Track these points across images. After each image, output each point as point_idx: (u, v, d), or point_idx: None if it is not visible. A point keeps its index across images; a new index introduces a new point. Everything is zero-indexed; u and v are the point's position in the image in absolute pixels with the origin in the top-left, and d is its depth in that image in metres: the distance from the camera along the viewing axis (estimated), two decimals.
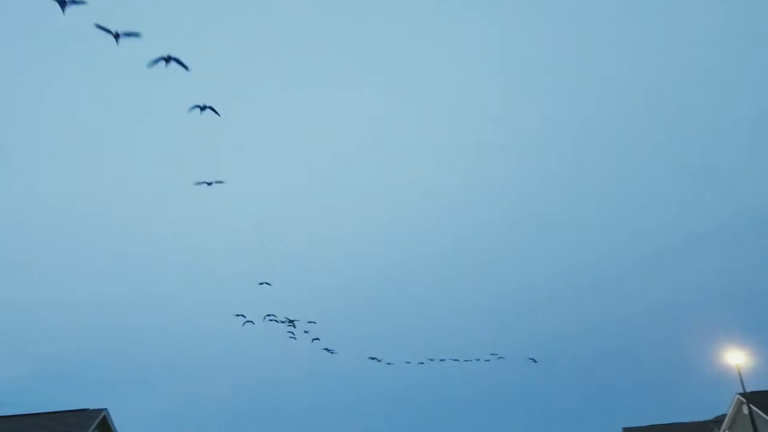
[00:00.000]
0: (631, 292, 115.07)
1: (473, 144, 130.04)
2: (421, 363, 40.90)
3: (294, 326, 30.35)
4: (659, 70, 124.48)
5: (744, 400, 32.48)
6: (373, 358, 38.91)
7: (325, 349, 33.88)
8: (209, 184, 20.72)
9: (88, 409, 28.00)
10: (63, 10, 14.27)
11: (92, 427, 26.51)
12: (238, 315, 29.67)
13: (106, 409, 27.88)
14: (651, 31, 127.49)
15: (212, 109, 16.32)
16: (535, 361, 41.24)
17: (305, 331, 31.90)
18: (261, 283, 28.32)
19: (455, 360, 41.50)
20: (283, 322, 29.94)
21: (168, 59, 15.32)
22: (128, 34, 14.98)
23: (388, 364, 40.67)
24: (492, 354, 40.54)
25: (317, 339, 32.98)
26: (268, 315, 29.78)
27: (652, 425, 48.83)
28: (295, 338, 31.96)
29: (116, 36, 14.91)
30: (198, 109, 16.40)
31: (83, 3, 14.14)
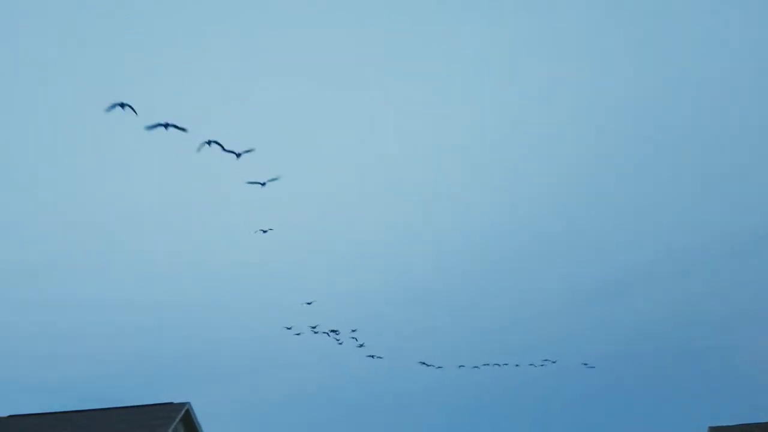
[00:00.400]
0: (721, 281, 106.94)
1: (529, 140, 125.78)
2: (476, 367, 40.34)
3: (337, 335, 31.19)
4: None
5: None
6: (423, 363, 38.67)
7: (370, 356, 34.01)
8: (263, 184, 19.82)
9: (171, 403, 28.39)
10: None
11: (176, 420, 26.81)
12: (287, 328, 30.72)
13: (188, 403, 28.16)
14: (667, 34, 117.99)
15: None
16: (591, 367, 40.07)
17: (352, 337, 32.50)
18: (308, 303, 29.30)
19: (516, 365, 40.75)
20: (327, 333, 30.89)
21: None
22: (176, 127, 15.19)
23: (439, 367, 40.37)
24: (545, 360, 39.79)
25: (362, 345, 33.22)
26: (313, 327, 30.79)
27: (741, 424, 45.35)
28: (340, 343, 32.62)
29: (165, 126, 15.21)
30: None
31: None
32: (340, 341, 31.96)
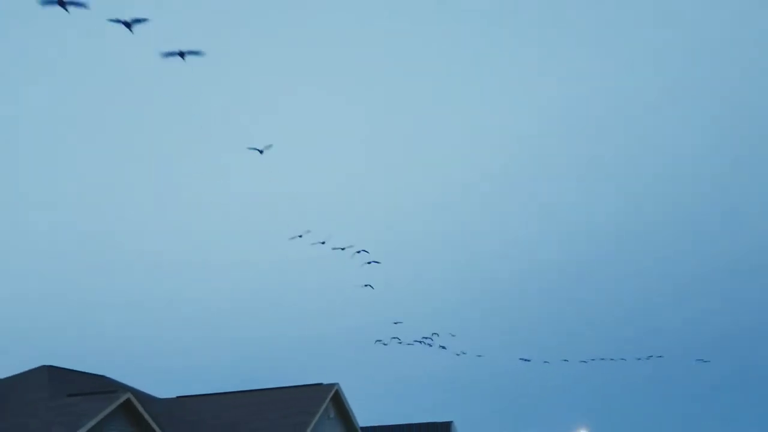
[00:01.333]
0: None
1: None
2: (583, 362, 40.12)
3: (432, 339, 32.78)
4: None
5: None
6: (524, 359, 38.81)
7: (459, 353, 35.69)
8: (260, 151, 19.32)
9: (321, 384, 30.80)
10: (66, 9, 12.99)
11: (327, 400, 29.15)
12: (393, 338, 32.52)
13: (337, 384, 30.46)
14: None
15: (193, 52, 14.47)
16: (705, 361, 39.04)
17: (452, 335, 33.60)
18: (365, 285, 28.60)
19: (621, 359, 40.29)
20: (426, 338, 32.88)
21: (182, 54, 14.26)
22: (137, 20, 13.81)
23: (545, 362, 40.84)
24: (651, 356, 39.33)
25: (463, 353, 35.50)
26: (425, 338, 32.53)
27: None
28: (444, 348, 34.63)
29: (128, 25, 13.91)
30: (178, 56, 14.51)
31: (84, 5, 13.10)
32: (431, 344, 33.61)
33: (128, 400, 21.36)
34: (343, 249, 24.37)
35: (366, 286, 27.71)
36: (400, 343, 32.81)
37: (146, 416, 21.87)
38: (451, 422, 46.51)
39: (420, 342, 33.21)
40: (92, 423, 19.33)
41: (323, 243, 22.35)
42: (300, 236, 22.04)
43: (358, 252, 25.22)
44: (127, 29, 13.71)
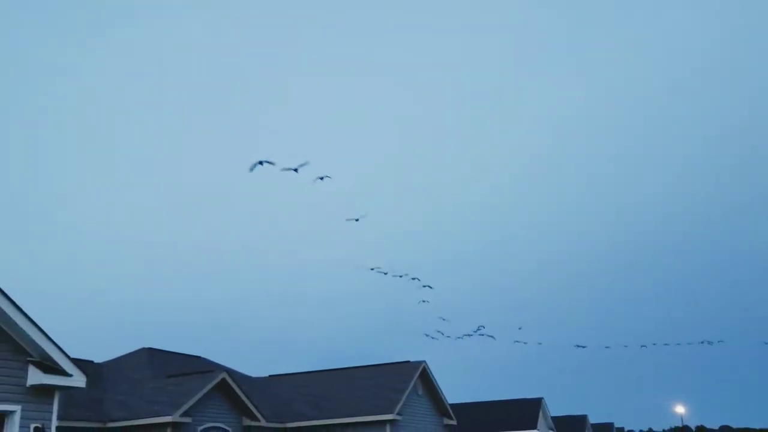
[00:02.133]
0: None
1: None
2: (643, 346, 41.72)
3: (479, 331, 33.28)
4: None
5: None
6: (579, 346, 39.41)
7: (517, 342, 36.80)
8: (357, 220, 22.28)
9: (409, 362, 30.80)
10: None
11: (415, 377, 29.10)
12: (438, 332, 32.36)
13: (424, 361, 30.38)
14: None
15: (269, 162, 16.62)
16: None
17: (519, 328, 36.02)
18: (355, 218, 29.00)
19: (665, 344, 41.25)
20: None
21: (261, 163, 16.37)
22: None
23: (606, 347, 43.87)
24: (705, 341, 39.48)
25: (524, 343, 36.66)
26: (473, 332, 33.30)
27: None
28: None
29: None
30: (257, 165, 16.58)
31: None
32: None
33: (224, 380, 21.99)
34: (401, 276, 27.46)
35: (424, 286, 28.83)
36: (448, 337, 33.67)
37: (240, 394, 22.47)
38: (542, 398, 45.78)
39: (469, 335, 34.25)
40: (192, 401, 20.02)
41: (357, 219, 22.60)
42: (357, 219, 22.66)
43: (413, 278, 28.27)
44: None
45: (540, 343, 37.95)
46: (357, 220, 22.31)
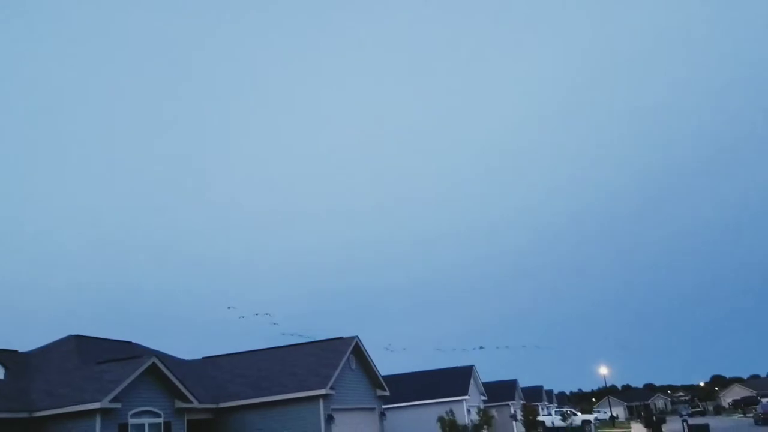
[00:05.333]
0: None
1: None
2: None
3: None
4: None
5: None
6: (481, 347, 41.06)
7: None
8: None
9: (342, 338, 31.47)
10: None
11: (348, 352, 29.81)
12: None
13: (357, 337, 31.11)
14: None
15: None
16: None
17: None
18: None
19: None
20: None
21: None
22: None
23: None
24: None
25: None
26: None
27: None
28: None
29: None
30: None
31: None
32: None
33: (154, 364, 22.01)
34: None
35: None
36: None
37: (171, 377, 22.54)
38: (473, 366, 47.44)
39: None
40: (121, 387, 19.99)
41: None
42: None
43: None
44: None
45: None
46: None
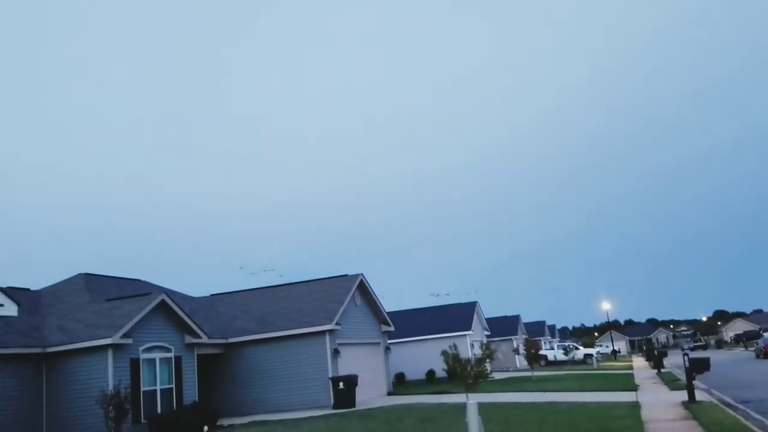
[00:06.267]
0: None
1: None
2: None
3: None
4: None
5: None
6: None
7: None
8: None
9: (347, 275, 31.90)
10: None
11: (353, 289, 30.26)
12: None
13: (362, 274, 31.51)
14: None
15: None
16: None
17: None
18: None
19: None
20: None
21: None
22: None
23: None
24: None
25: None
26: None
27: None
28: None
29: None
30: None
31: None
32: None
33: (163, 301, 22.47)
34: None
35: None
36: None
37: (180, 313, 23.05)
38: (476, 302, 48.21)
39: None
40: (132, 323, 20.49)
41: None
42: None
43: None
44: None
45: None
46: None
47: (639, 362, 58.98)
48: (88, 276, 27.79)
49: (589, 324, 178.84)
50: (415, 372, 42.37)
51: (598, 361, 57.84)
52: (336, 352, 26.68)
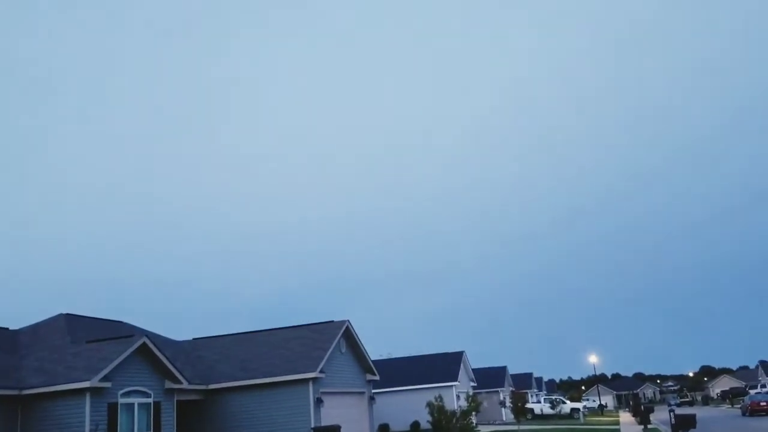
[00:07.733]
0: None
1: None
2: None
3: None
4: None
5: None
6: None
7: None
8: None
9: (333, 321, 31.59)
10: None
11: (338, 336, 29.93)
12: None
13: (347, 321, 31.23)
14: None
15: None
16: None
17: None
18: None
19: None
20: None
21: None
22: None
23: None
24: None
25: None
26: None
27: None
28: None
29: None
30: None
31: None
32: None
33: (144, 344, 22.07)
34: None
35: None
36: None
37: (161, 357, 22.62)
38: (463, 352, 47.72)
39: None
40: (111, 366, 20.06)
41: None
42: None
43: None
44: None
45: None
46: None
47: (626, 417, 58.33)
48: (69, 316, 27.31)
49: (576, 377, 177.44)
50: (399, 423, 41.56)
51: (584, 415, 57.14)
52: (319, 401, 26.18)
